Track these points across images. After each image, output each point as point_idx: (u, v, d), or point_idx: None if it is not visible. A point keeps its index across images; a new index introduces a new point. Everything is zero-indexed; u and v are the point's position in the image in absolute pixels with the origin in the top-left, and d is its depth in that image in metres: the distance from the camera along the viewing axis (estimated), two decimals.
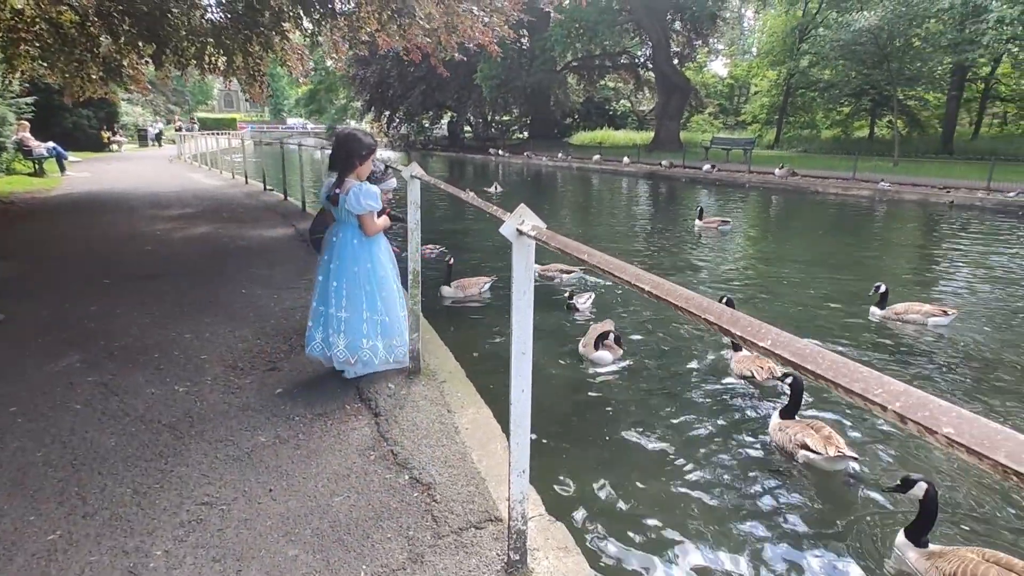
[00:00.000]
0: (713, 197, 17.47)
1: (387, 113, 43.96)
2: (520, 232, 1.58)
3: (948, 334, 5.49)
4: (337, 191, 3.23)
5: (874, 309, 5.90)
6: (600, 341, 4.62)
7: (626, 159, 24.88)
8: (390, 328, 3.37)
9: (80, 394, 3.16)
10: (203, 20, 11.40)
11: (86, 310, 4.56)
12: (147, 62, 11.99)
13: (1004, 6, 18.22)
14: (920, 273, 8.48)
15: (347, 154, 3.24)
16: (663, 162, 23.16)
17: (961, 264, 8.66)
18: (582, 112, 44.03)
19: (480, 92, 35.45)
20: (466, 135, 45.24)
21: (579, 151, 31.08)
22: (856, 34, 20.66)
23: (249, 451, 2.66)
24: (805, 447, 3.22)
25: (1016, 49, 21.51)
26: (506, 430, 1.97)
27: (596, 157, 26.70)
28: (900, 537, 2.63)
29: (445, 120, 47.32)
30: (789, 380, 3.63)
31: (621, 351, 4.72)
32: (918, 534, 2.56)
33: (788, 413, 3.55)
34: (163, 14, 10.15)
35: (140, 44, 10.95)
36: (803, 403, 3.68)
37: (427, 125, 46.12)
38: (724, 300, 3.95)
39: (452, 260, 6.63)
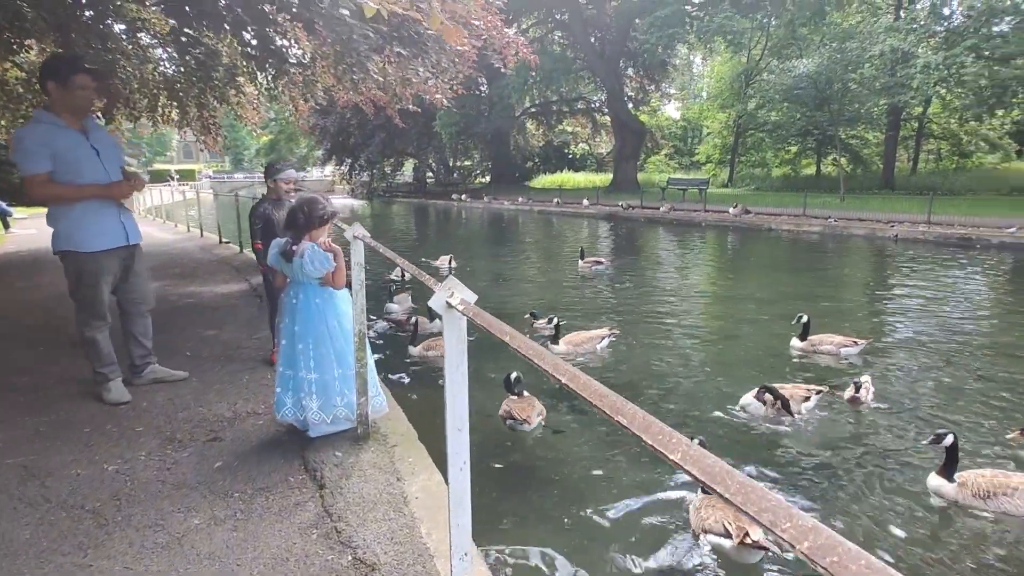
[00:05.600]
0: (671, 237, 17.85)
1: (348, 161, 44.07)
2: (450, 305, 1.52)
3: (858, 363, 5.82)
4: (294, 248, 3.16)
5: (795, 341, 6.11)
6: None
7: (585, 201, 25.34)
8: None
9: None
10: (155, 73, 11.32)
11: (17, 381, 4.29)
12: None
13: (929, 52, 19.49)
14: (864, 306, 8.72)
15: (307, 216, 3.19)
16: (621, 204, 23.63)
17: (900, 296, 8.98)
18: (542, 155, 44.95)
19: (440, 138, 35.94)
20: (428, 181, 45.60)
21: (540, 194, 31.57)
22: (797, 79, 21.77)
23: (180, 536, 2.47)
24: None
25: (944, 91, 22.95)
26: None
27: (556, 200, 27.13)
28: (933, 479, 3.40)
29: (409, 166, 47.69)
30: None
31: (543, 412, 4.47)
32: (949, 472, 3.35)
33: None
34: (114, 69, 10.04)
35: None
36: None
37: (388, 172, 46.31)
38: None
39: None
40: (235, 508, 2.69)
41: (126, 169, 3.88)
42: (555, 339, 6.14)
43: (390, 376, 5.53)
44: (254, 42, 8.79)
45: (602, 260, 11.61)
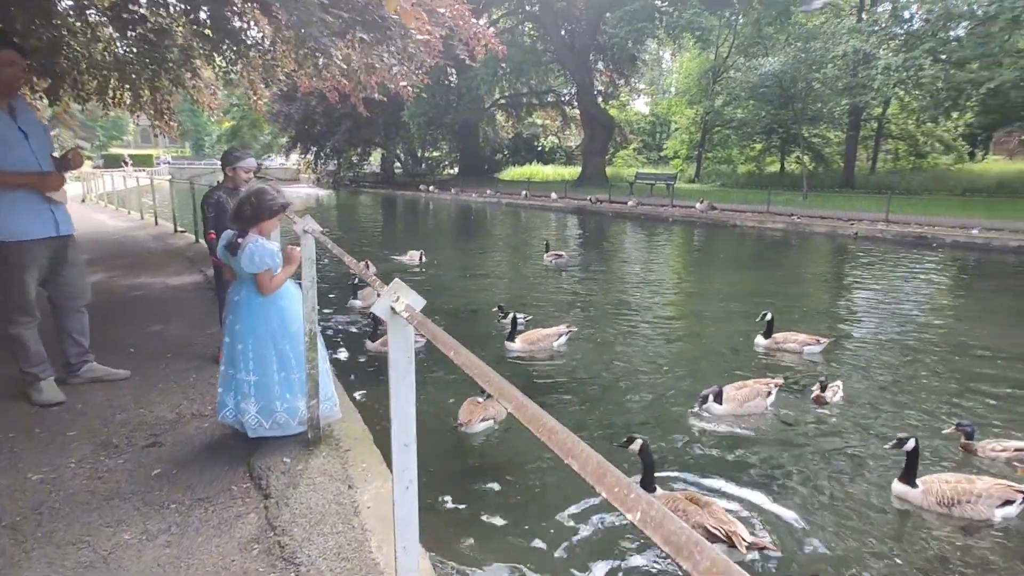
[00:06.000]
0: (638, 231, 17.91)
1: (314, 149, 43.06)
2: (394, 311, 1.38)
3: (821, 360, 5.90)
4: (239, 240, 2.96)
5: (759, 339, 6.16)
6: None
7: (554, 194, 25.25)
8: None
9: None
10: (105, 53, 10.75)
11: None
12: (40, 97, 11.14)
13: (890, 54, 19.93)
14: (826, 303, 8.85)
15: (255, 208, 2.99)
16: (589, 198, 23.62)
17: (861, 293, 9.16)
18: (511, 148, 44.68)
19: (408, 129, 35.39)
20: (396, 171, 44.91)
21: (508, 186, 31.36)
22: (762, 77, 22.02)
23: (106, 554, 2.28)
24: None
25: (902, 93, 23.52)
26: None
27: (524, 193, 26.98)
28: (897, 485, 3.38)
29: (377, 156, 46.86)
30: (638, 447, 3.30)
31: (495, 416, 4.31)
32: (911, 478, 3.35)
33: (646, 485, 3.28)
34: (60, 48, 9.48)
35: (33, 79, 10.16)
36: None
37: (356, 161, 45.38)
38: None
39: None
40: (170, 521, 2.50)
41: (55, 156, 3.60)
42: (511, 336, 6.04)
43: (347, 372, 5.35)
44: (209, 22, 8.40)
45: (562, 253, 11.58)
